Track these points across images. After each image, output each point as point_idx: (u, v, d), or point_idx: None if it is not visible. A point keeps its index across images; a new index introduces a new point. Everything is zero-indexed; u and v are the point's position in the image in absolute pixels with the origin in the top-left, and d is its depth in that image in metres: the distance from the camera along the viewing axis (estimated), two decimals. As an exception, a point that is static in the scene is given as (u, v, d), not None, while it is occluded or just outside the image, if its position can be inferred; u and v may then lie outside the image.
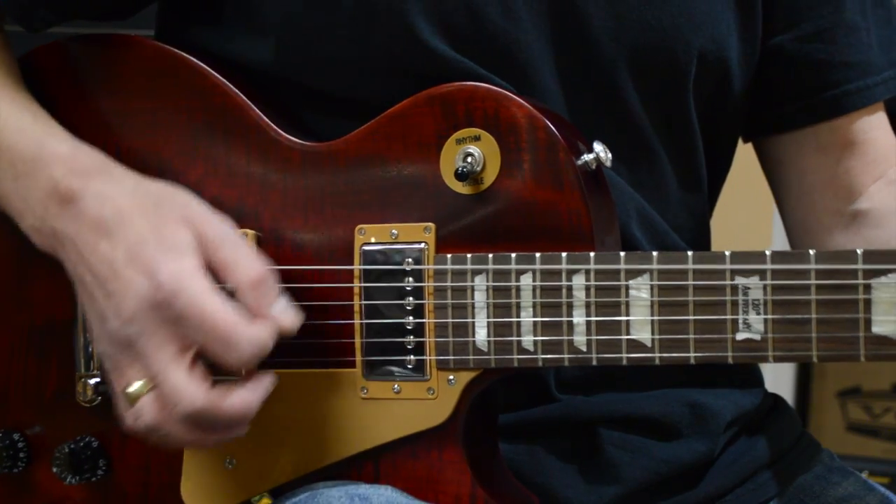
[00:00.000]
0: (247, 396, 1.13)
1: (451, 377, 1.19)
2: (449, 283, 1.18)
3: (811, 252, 1.10)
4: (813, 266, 1.10)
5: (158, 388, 1.11)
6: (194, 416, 1.11)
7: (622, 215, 1.25)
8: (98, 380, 1.30)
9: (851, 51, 1.35)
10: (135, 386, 1.12)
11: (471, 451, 1.21)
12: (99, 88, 1.31)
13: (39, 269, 1.31)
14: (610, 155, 1.18)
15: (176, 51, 1.28)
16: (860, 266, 1.08)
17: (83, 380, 1.30)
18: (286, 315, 1.14)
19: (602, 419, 1.28)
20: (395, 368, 1.20)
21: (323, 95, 1.27)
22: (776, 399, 1.44)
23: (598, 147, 1.17)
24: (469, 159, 1.18)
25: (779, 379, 3.25)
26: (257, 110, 1.25)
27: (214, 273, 1.13)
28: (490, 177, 1.18)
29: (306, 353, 1.21)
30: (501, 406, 1.27)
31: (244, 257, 1.14)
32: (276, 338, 1.13)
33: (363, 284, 1.21)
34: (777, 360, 1.12)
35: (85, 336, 1.30)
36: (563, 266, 1.15)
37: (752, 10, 1.31)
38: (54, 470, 1.31)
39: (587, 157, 1.18)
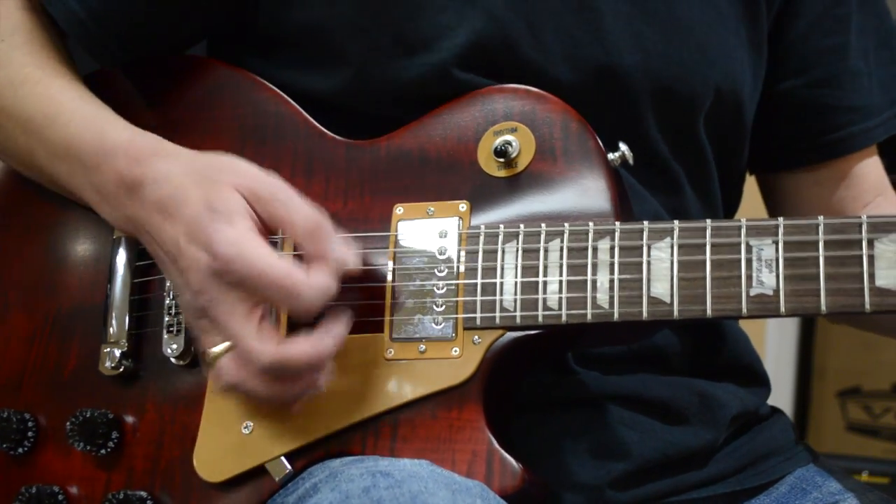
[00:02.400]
0: (316, 342, 1.19)
1: (477, 337, 1.25)
2: (480, 247, 1.26)
3: (819, 217, 1.20)
4: (821, 222, 1.20)
5: (237, 352, 1.18)
6: (269, 370, 1.17)
7: (640, 219, 1.35)
8: (124, 350, 1.33)
9: (855, 96, 1.51)
10: (216, 349, 1.20)
11: (489, 412, 1.24)
12: (154, 102, 1.42)
13: (73, 257, 1.38)
14: (632, 154, 1.30)
15: (232, 67, 1.41)
16: (865, 223, 1.19)
17: (109, 349, 1.33)
18: (345, 254, 1.21)
19: (614, 397, 1.33)
20: (422, 329, 1.26)
21: (360, 114, 1.38)
22: (775, 410, 1.51)
23: (623, 147, 1.30)
24: (506, 144, 1.29)
25: (779, 379, 3.14)
26: (306, 114, 1.37)
27: (271, 227, 1.21)
28: (524, 162, 1.29)
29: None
30: (520, 385, 1.31)
31: (296, 208, 1.22)
32: (338, 279, 1.20)
33: (397, 249, 1.28)
34: (788, 312, 1.19)
35: (115, 305, 1.34)
36: (591, 229, 1.24)
37: (761, 49, 1.47)
38: (68, 435, 1.32)
39: (613, 154, 1.30)
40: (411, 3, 1.32)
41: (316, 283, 1.18)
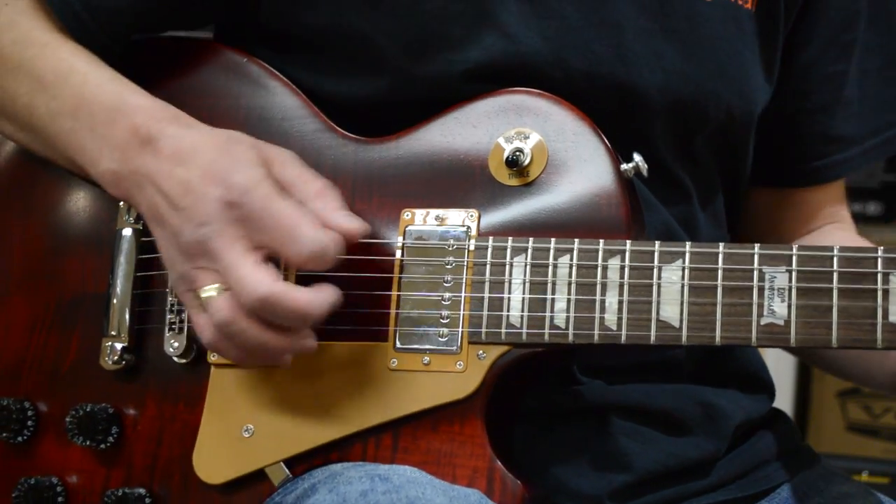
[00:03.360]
0: (312, 294, 1.18)
1: (482, 351, 1.23)
2: (488, 260, 1.24)
3: (835, 247, 1.18)
4: (836, 254, 1.17)
5: (229, 284, 1.17)
6: (263, 304, 1.16)
7: (651, 230, 1.33)
8: (125, 345, 1.32)
9: (843, 125, 1.50)
10: (209, 288, 1.19)
11: (490, 427, 1.23)
12: (155, 85, 1.39)
13: (75, 245, 1.36)
14: (646, 165, 1.27)
15: (240, 52, 1.38)
16: (881, 256, 1.17)
17: (110, 343, 1.32)
18: (349, 222, 1.21)
19: (616, 408, 1.33)
20: (427, 340, 1.24)
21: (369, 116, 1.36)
22: (778, 412, 1.50)
23: (637, 158, 1.27)
24: (518, 153, 1.27)
25: (779, 379, 3.19)
26: (316, 108, 1.34)
27: (283, 190, 1.20)
28: (536, 171, 1.27)
29: (341, 323, 1.25)
30: (523, 397, 1.30)
31: (307, 174, 1.23)
32: (340, 246, 1.19)
33: (405, 259, 1.26)
34: (799, 343, 1.18)
35: (117, 299, 1.33)
36: (601, 247, 1.22)
37: (773, 69, 1.44)
38: (67, 429, 1.31)
39: (626, 165, 1.27)
40: (425, 14, 1.29)
41: (318, 236, 1.18)
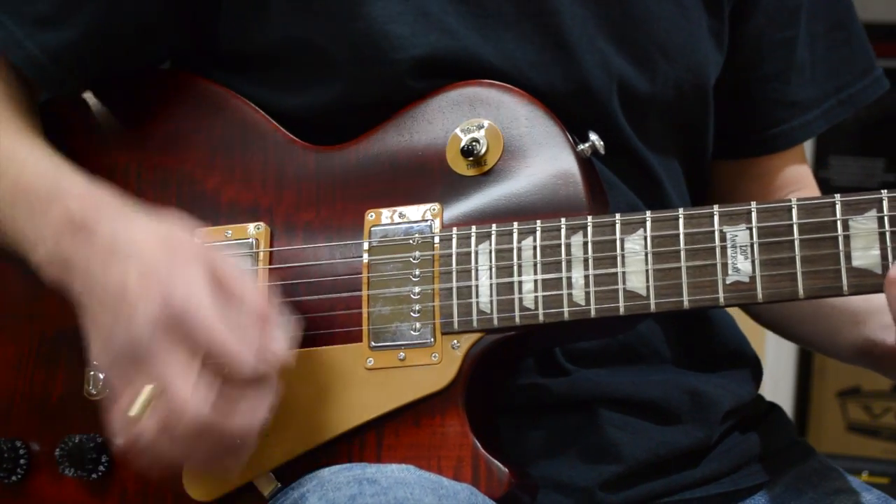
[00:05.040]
0: (248, 414, 1.15)
1: (455, 341, 1.24)
2: (454, 250, 1.25)
3: (792, 198, 1.19)
4: (794, 205, 1.18)
5: (164, 402, 1.12)
6: (200, 428, 1.12)
7: (616, 211, 1.33)
8: (108, 374, 1.33)
9: (798, 90, 1.49)
10: (138, 402, 1.12)
11: (472, 416, 1.24)
12: (117, 117, 1.41)
13: None
14: (602, 143, 1.28)
15: (196, 77, 1.40)
16: (839, 203, 1.17)
17: (93, 373, 1.33)
18: (284, 353, 1.17)
19: (604, 399, 1.32)
20: (400, 336, 1.25)
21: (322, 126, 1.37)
22: (773, 406, 1.49)
23: (594, 136, 1.28)
24: (473, 143, 1.28)
25: (779, 379, 3.15)
26: (275, 122, 1.36)
27: (223, 304, 1.16)
28: (493, 159, 1.28)
29: (315, 329, 1.26)
30: (502, 385, 1.30)
31: (252, 293, 1.17)
32: (275, 370, 1.16)
33: (371, 258, 1.27)
34: (766, 298, 1.18)
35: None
36: (563, 224, 1.23)
37: (722, 39, 1.44)
38: (58, 462, 1.32)
39: (583, 145, 1.28)
40: (367, 18, 1.31)
41: (260, 363, 1.14)
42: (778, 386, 3.13)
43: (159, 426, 1.13)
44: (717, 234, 1.20)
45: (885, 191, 1.17)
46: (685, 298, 1.19)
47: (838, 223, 1.17)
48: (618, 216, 1.22)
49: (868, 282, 1.16)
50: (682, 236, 1.20)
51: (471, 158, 1.28)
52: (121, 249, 1.17)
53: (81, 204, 1.23)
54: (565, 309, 1.22)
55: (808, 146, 1.70)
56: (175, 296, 1.13)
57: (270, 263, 1.28)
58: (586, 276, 1.22)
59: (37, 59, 1.35)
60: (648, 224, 1.21)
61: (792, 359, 3.30)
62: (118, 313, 1.15)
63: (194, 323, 1.13)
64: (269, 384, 1.16)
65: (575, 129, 1.30)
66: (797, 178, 1.56)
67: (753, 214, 1.19)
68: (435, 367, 1.24)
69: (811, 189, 1.56)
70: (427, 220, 1.27)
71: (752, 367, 1.45)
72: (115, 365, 1.16)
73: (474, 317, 1.24)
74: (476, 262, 1.25)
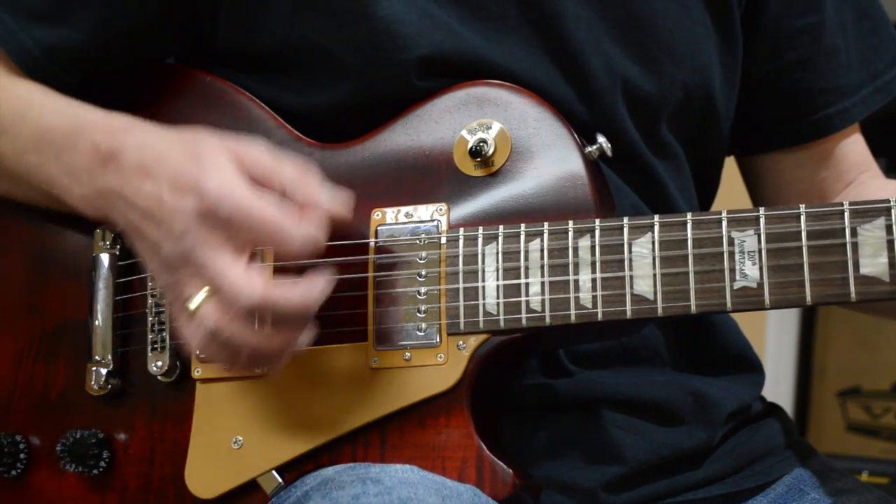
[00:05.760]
0: (304, 290, 1.17)
1: (461, 342, 1.24)
2: (461, 251, 1.25)
3: (801, 205, 1.19)
4: (803, 212, 1.18)
5: (218, 291, 1.16)
6: (256, 309, 1.15)
7: (621, 214, 1.33)
8: (109, 369, 1.33)
9: (831, 76, 1.48)
10: (196, 298, 1.17)
11: (477, 417, 1.23)
12: (120, 108, 1.39)
13: (54, 275, 1.37)
14: (610, 146, 1.28)
15: (199, 71, 1.40)
16: (847, 210, 1.17)
17: (95, 369, 1.33)
18: (334, 202, 1.21)
19: (607, 400, 1.32)
20: (406, 336, 1.25)
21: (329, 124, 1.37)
22: (774, 406, 1.49)
23: (601, 139, 1.28)
24: (481, 144, 1.28)
25: (779, 379, 3.16)
26: (280, 119, 1.35)
27: (259, 184, 1.19)
28: (500, 160, 1.28)
29: (320, 327, 1.25)
30: (507, 387, 1.30)
31: (279, 163, 1.21)
32: (325, 229, 1.19)
33: (377, 257, 1.27)
34: (773, 304, 1.18)
35: (99, 324, 1.33)
36: (571, 227, 1.23)
37: (732, 36, 1.44)
38: (59, 457, 1.32)
39: (590, 147, 1.28)
40: (372, 18, 1.30)
41: (305, 229, 1.17)
42: (778, 386, 3.14)
43: (219, 309, 1.16)
44: (725, 239, 1.20)
45: (894, 199, 1.16)
46: (692, 303, 1.19)
47: (847, 230, 1.17)
48: (626, 220, 1.22)
49: (876, 289, 1.16)
50: (690, 241, 1.20)
51: (479, 159, 1.27)
52: (149, 167, 1.21)
53: (105, 134, 1.26)
54: (572, 312, 1.22)
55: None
56: (208, 187, 1.16)
57: (275, 261, 1.27)
58: (593, 280, 1.22)
59: (30, 51, 1.35)
60: (656, 228, 1.21)
61: (792, 359, 3.31)
62: (161, 224, 1.18)
63: (231, 206, 1.16)
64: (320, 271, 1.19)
65: (580, 132, 1.30)
66: (860, 162, 1.52)
67: (762, 220, 1.19)
68: (440, 367, 1.24)
69: (877, 172, 1.53)
70: (434, 221, 1.27)
71: (755, 371, 1.45)
72: (170, 275, 1.19)
73: (480, 318, 1.23)
74: (483, 263, 1.24)
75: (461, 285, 1.25)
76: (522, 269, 1.24)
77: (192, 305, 1.17)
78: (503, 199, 1.27)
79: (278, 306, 1.16)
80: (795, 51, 1.47)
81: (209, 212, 1.16)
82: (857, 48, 1.49)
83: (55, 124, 1.30)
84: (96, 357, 1.33)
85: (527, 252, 1.24)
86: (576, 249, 1.23)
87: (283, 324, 1.18)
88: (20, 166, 1.32)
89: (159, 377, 1.31)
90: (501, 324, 1.23)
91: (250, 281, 1.15)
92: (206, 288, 1.16)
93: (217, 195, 1.16)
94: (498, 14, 1.33)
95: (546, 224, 1.23)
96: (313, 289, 1.17)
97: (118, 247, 1.34)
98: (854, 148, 1.52)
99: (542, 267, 1.23)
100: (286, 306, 1.16)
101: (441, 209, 1.27)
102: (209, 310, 1.16)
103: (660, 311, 1.20)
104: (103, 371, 1.33)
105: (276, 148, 1.32)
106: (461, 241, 1.25)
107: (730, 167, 1.56)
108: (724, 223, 1.20)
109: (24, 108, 1.33)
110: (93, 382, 1.33)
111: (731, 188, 1.57)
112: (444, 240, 1.26)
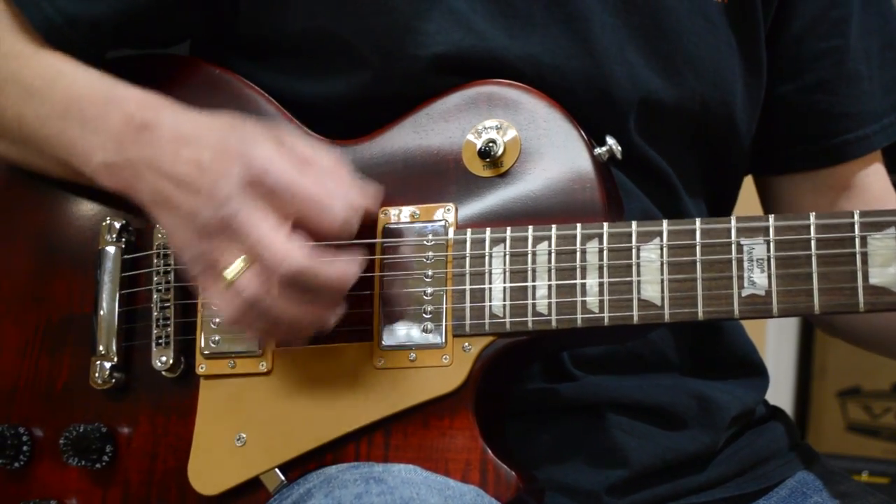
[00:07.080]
0: (344, 264, 1.19)
1: (467, 344, 1.23)
2: (468, 252, 1.25)
3: (811, 214, 1.18)
4: (813, 222, 1.17)
5: (259, 259, 1.16)
6: (296, 278, 1.16)
7: (630, 217, 1.32)
8: (114, 363, 1.32)
9: (852, 101, 1.46)
10: (234, 266, 1.17)
11: (481, 420, 1.23)
12: None
13: (60, 267, 1.37)
14: (620, 148, 1.27)
15: (212, 65, 1.39)
16: (857, 220, 1.16)
17: (99, 362, 1.32)
18: (366, 196, 1.23)
19: (612, 404, 1.32)
20: (412, 337, 1.25)
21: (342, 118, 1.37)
22: (777, 410, 1.49)
23: (611, 141, 1.27)
24: (490, 144, 1.27)
25: (779, 379, 3.16)
26: (289, 114, 1.35)
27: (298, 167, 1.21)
28: (509, 161, 1.27)
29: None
30: (511, 389, 1.30)
31: (322, 156, 1.23)
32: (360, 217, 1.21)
33: (384, 257, 1.27)
34: (781, 313, 1.18)
35: (103, 318, 1.33)
36: (578, 231, 1.22)
37: (758, 57, 1.42)
38: (62, 451, 1.32)
39: (600, 149, 1.27)
40: (394, 11, 1.29)
41: (347, 197, 1.20)
42: (778, 386, 3.13)
43: (260, 277, 1.16)
44: (734, 246, 1.19)
45: (905, 209, 1.16)
46: (700, 309, 1.19)
47: (856, 240, 1.16)
48: (634, 224, 1.21)
49: (885, 300, 1.16)
50: (698, 247, 1.20)
51: (487, 160, 1.27)
52: (188, 137, 1.22)
53: (139, 106, 1.26)
54: (578, 316, 1.21)
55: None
56: (255, 157, 1.18)
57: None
58: (601, 284, 1.21)
59: (52, 19, 1.34)
60: (665, 234, 1.21)
61: (792, 359, 3.30)
62: (199, 189, 1.18)
63: (277, 178, 1.17)
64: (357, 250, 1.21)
65: (592, 135, 1.29)
66: (871, 197, 1.50)
67: (771, 228, 1.18)
68: (446, 369, 1.24)
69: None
70: (441, 221, 1.26)
71: (760, 375, 1.45)
72: (204, 242, 1.18)
73: (486, 320, 1.23)
74: (490, 265, 1.24)
75: (468, 287, 1.24)
76: (529, 272, 1.23)
77: (230, 274, 1.17)
78: (512, 200, 1.26)
79: (319, 277, 1.17)
80: (817, 72, 1.46)
81: (256, 179, 1.17)
82: (881, 77, 1.48)
83: (87, 92, 1.30)
84: (101, 351, 1.33)
85: (534, 254, 1.23)
86: (583, 253, 1.22)
87: (318, 300, 1.18)
88: (41, 131, 1.31)
89: (163, 372, 1.31)
90: (507, 326, 1.23)
91: (293, 249, 1.16)
92: (243, 257, 1.17)
93: (264, 165, 1.17)
94: (525, 11, 1.32)
95: (554, 227, 1.23)
96: (352, 265, 1.19)
97: (124, 240, 1.34)
98: (875, 180, 1.51)
99: (550, 270, 1.23)
100: (326, 278, 1.17)
101: (449, 209, 1.27)
102: (248, 277, 1.16)
103: (667, 316, 1.20)
104: (107, 365, 1.32)
105: None
106: (468, 243, 1.25)
107: (745, 181, 1.54)
108: (734, 230, 1.19)
109: (53, 75, 1.32)
110: (97, 376, 1.33)
111: (744, 201, 1.55)
112: (451, 240, 1.25)
